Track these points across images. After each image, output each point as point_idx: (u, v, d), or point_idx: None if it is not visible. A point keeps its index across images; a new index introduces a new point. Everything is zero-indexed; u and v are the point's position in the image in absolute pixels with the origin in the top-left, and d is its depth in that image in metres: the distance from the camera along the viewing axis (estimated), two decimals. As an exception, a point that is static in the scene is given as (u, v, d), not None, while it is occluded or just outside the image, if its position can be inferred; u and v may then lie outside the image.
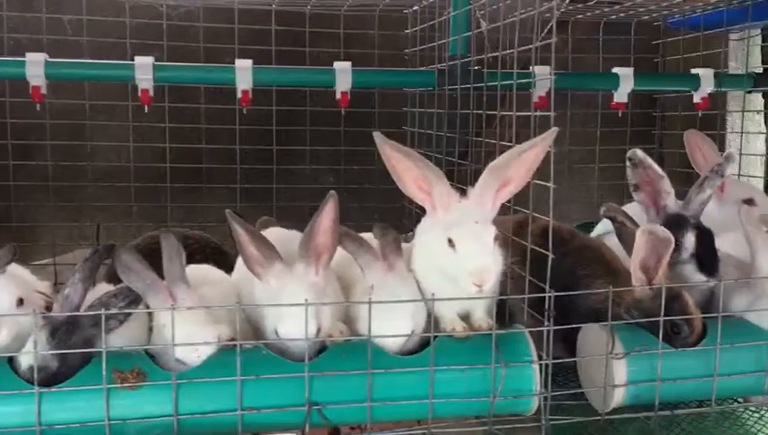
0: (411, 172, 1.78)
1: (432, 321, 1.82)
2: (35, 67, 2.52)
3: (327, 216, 1.79)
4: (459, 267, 1.73)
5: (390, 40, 3.31)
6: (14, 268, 1.96)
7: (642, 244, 1.88)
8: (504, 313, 2.02)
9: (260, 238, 1.84)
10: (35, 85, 2.53)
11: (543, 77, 2.58)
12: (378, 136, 1.77)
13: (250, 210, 3.04)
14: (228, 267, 2.18)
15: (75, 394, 1.64)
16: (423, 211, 3.07)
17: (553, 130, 1.78)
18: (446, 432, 1.83)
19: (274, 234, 2.09)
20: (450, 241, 1.75)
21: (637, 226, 2.01)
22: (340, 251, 1.88)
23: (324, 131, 3.30)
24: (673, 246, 1.88)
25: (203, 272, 2.08)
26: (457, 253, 1.74)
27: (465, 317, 1.90)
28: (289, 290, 1.77)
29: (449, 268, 1.76)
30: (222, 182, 3.22)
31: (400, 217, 3.14)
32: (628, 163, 2.22)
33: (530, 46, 1.92)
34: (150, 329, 1.86)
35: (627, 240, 2.03)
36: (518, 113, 1.96)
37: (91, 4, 2.95)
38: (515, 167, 1.79)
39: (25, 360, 1.67)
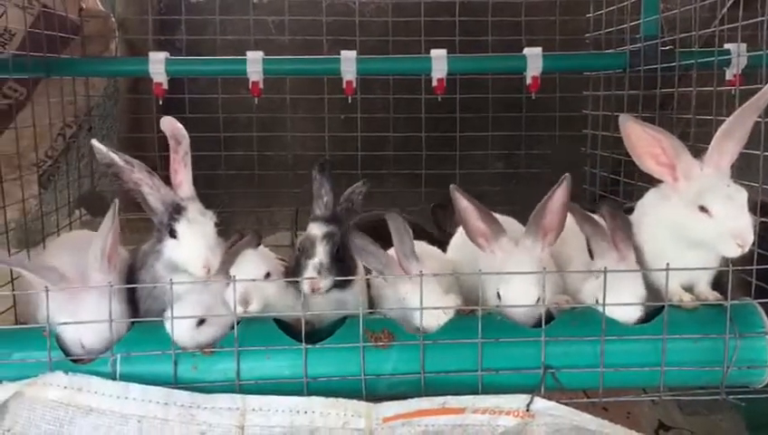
0: (652, 147, 1.82)
1: (663, 292, 1.86)
2: (255, 64, 2.71)
3: (558, 197, 1.88)
4: (718, 232, 1.75)
5: (561, 25, 3.35)
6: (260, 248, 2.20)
7: None
8: (721, 287, 2.03)
9: (486, 212, 1.95)
10: (255, 81, 2.71)
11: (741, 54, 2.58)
12: (622, 116, 1.83)
13: (432, 195, 3.20)
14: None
15: (335, 351, 1.82)
16: (613, 193, 3.11)
17: None
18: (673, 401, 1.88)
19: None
20: (702, 208, 1.77)
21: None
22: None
23: (500, 117, 3.38)
24: None
25: (421, 248, 2.23)
26: (714, 218, 1.76)
27: (689, 290, 1.93)
28: (515, 259, 1.88)
29: (705, 235, 1.78)
30: (404, 168, 3.37)
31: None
32: None
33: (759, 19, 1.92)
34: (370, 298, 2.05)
35: None
36: (737, 87, 1.96)
37: (292, 5, 3.18)
38: (743, 125, 1.79)
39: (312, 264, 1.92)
